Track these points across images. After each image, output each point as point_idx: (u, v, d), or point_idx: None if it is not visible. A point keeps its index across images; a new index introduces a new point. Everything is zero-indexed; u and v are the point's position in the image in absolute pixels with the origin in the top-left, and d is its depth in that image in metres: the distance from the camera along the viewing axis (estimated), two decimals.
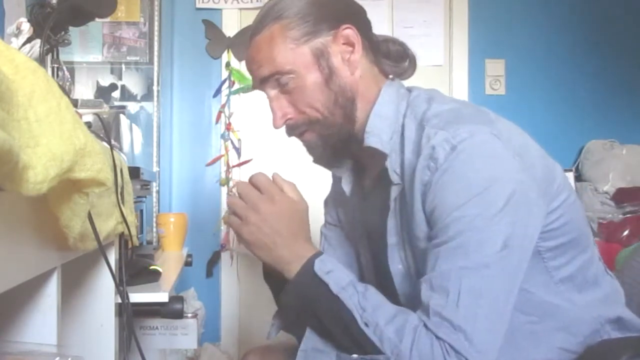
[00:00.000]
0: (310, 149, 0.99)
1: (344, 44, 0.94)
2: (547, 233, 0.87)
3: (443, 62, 2.70)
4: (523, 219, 0.82)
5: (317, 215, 1.29)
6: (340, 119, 0.94)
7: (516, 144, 0.87)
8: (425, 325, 0.79)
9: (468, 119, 0.86)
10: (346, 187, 1.08)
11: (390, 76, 1.00)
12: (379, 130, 0.93)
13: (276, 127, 0.97)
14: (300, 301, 0.91)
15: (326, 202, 1.21)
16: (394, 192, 0.93)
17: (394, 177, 0.92)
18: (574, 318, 0.91)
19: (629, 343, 0.90)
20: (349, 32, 0.94)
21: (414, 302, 0.90)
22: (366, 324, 0.82)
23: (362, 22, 0.97)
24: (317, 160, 1.03)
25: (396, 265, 0.95)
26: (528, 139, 0.92)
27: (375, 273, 1.06)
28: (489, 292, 0.79)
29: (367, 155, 0.98)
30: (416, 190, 0.86)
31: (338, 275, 0.88)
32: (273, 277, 1.02)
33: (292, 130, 0.97)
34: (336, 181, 1.14)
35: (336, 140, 0.96)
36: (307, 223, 0.96)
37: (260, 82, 0.96)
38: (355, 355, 0.85)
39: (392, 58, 1.02)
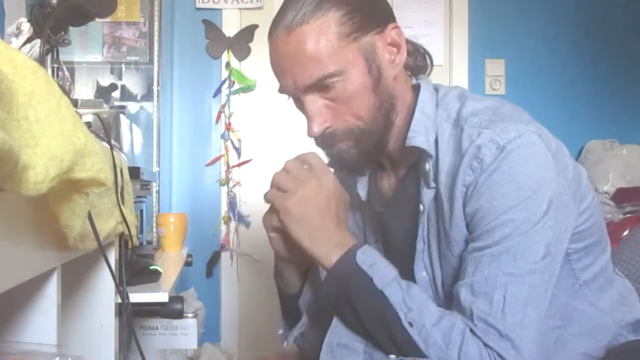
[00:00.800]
0: (341, 160, 0.89)
1: (389, 44, 0.87)
2: (577, 234, 0.86)
3: (443, 62, 2.70)
4: (560, 223, 0.80)
5: None
6: (382, 126, 0.87)
7: (552, 144, 0.84)
8: (471, 331, 0.76)
9: (512, 118, 0.82)
10: (362, 191, 1.01)
11: (409, 74, 0.96)
12: (425, 130, 0.86)
13: (313, 135, 0.86)
14: (338, 292, 0.84)
15: None
16: (428, 195, 0.87)
17: (430, 181, 0.87)
18: (597, 323, 0.89)
19: None
20: (397, 31, 0.88)
21: None
22: (411, 324, 0.78)
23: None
24: (349, 172, 0.95)
25: (421, 272, 0.91)
26: (558, 140, 0.89)
27: None
28: (534, 300, 0.77)
29: (395, 157, 0.93)
30: (457, 191, 0.82)
31: (382, 268, 0.82)
32: (285, 277, 0.98)
33: (328, 140, 0.87)
34: (344, 185, 1.09)
35: (373, 148, 0.88)
36: (348, 214, 0.91)
37: (303, 89, 0.85)
38: (392, 356, 0.80)
39: (413, 55, 0.96)
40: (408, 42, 0.94)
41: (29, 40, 1.15)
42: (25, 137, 0.45)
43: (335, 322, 0.87)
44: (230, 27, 2.66)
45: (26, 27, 1.15)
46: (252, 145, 2.66)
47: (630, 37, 2.76)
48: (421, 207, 0.89)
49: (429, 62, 0.98)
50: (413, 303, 0.79)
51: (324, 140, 0.88)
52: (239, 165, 2.64)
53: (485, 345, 0.75)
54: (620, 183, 2.46)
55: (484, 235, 0.79)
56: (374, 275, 0.81)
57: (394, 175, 0.97)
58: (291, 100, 0.91)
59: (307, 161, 0.87)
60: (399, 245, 0.96)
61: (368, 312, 0.82)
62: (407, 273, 0.92)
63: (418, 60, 0.97)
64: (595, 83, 2.74)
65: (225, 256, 2.65)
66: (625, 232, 2.29)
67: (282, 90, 0.89)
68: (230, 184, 2.64)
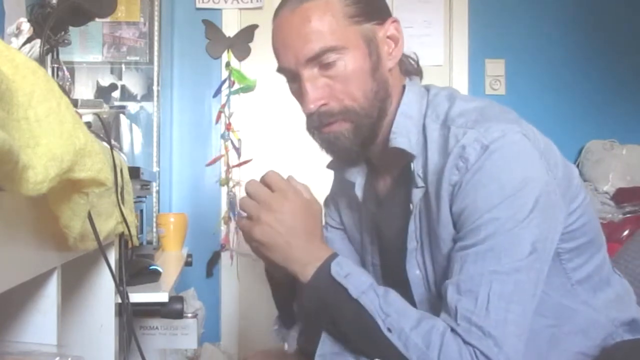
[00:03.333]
0: (335, 141, 0.90)
1: (388, 37, 0.90)
2: (567, 234, 0.86)
3: (443, 62, 2.70)
4: (548, 221, 0.81)
5: None
6: (377, 112, 0.89)
7: (541, 143, 0.85)
8: (452, 330, 0.77)
9: (497, 118, 0.83)
10: (359, 192, 1.00)
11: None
12: (407, 131, 0.89)
13: (308, 111, 0.87)
14: (317, 305, 0.86)
15: (327, 204, 1.16)
16: (417, 195, 0.89)
17: (418, 180, 0.88)
18: (591, 321, 0.90)
19: None
20: (396, 25, 0.91)
21: (430, 308, 0.88)
22: (389, 330, 0.79)
23: None
24: (341, 155, 0.94)
25: (414, 270, 0.92)
26: (548, 139, 0.90)
27: (385, 279, 1.02)
28: (519, 297, 0.77)
29: (386, 157, 0.95)
30: (444, 190, 0.83)
31: (357, 278, 0.83)
32: (275, 278, 1.00)
33: (323, 118, 0.88)
34: (340, 184, 1.10)
35: (368, 134, 0.89)
36: (321, 224, 0.92)
37: (304, 62, 0.86)
38: None
39: (411, 65, 0.99)
40: (405, 55, 0.97)
41: (29, 40, 1.15)
42: (25, 137, 0.45)
43: (324, 333, 0.89)
44: (230, 27, 2.66)
45: (26, 27, 1.16)
46: (252, 145, 2.66)
47: (630, 37, 2.76)
48: (411, 206, 0.90)
49: (420, 69, 1.00)
50: (390, 309, 0.80)
51: (319, 118, 0.88)
52: (239, 165, 2.64)
53: (466, 342, 0.75)
54: (620, 183, 2.46)
55: (470, 234, 0.80)
56: (349, 285, 0.82)
57: (389, 176, 0.99)
58: (289, 98, 0.93)
59: (267, 182, 0.88)
60: (393, 244, 0.96)
61: (347, 322, 0.84)
62: (401, 272, 0.93)
63: (417, 68, 1.00)
64: (595, 83, 2.73)
65: (225, 256, 2.64)
66: (625, 232, 2.29)
67: (281, 67, 0.90)
68: (230, 184, 2.63)
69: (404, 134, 0.89)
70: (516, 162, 0.80)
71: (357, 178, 1.01)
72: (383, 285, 0.94)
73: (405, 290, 0.92)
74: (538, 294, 0.80)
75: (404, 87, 0.94)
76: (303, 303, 0.91)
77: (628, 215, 2.36)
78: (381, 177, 1.00)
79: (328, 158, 1.03)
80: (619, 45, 2.75)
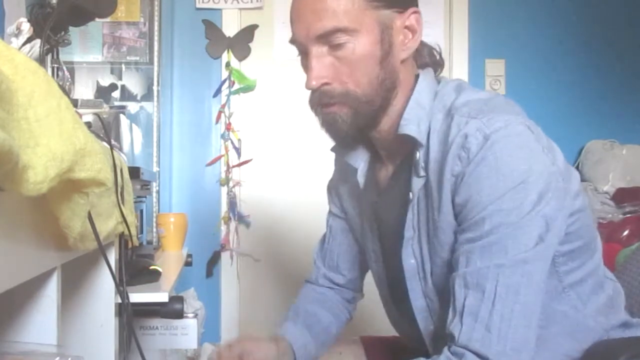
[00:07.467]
0: (333, 123, 0.89)
1: (406, 27, 0.88)
2: (564, 236, 0.86)
3: None
4: (555, 213, 0.80)
5: (315, 215, 1.29)
6: (379, 101, 0.88)
7: (544, 140, 0.85)
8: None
9: (501, 109, 0.83)
10: (361, 178, 1.01)
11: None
12: (418, 119, 0.88)
13: (309, 87, 0.88)
14: None
15: (329, 191, 1.16)
16: (418, 184, 0.89)
17: (420, 169, 0.88)
18: (580, 325, 0.89)
19: (629, 343, 0.90)
20: (416, 17, 0.89)
21: (422, 297, 0.91)
22: None
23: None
24: (337, 138, 0.94)
25: (409, 259, 0.92)
26: (551, 142, 0.90)
27: (386, 268, 1.03)
28: (527, 289, 0.78)
29: (391, 145, 0.95)
30: (446, 181, 0.82)
31: None
32: None
33: (324, 98, 0.88)
34: (342, 170, 1.10)
35: (366, 121, 0.90)
36: None
37: (314, 39, 0.85)
38: None
39: (431, 56, 0.98)
40: (426, 45, 0.96)
41: (29, 40, 1.15)
42: (25, 137, 0.45)
43: None
44: (230, 27, 2.66)
45: (26, 27, 1.15)
46: (252, 145, 2.66)
47: (630, 37, 2.76)
48: (411, 195, 0.90)
49: (441, 62, 0.99)
50: None
51: (320, 97, 0.88)
52: (239, 165, 2.64)
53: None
54: (620, 183, 2.46)
55: (474, 226, 0.80)
56: None
57: (391, 165, 0.99)
58: (289, 98, 0.94)
59: None
60: (391, 233, 0.97)
61: None
62: (399, 259, 0.94)
63: (438, 60, 0.98)
64: (595, 83, 2.73)
65: (225, 256, 2.64)
66: (625, 232, 2.29)
67: (293, 39, 0.89)
68: (230, 184, 2.63)
69: (414, 121, 0.88)
70: (519, 153, 0.79)
71: (360, 164, 1.01)
72: (386, 274, 0.99)
73: (402, 277, 0.93)
74: (544, 286, 0.80)
75: (417, 76, 0.93)
76: None
77: (628, 215, 2.36)
78: (383, 164, 1.00)
79: (327, 158, 1.02)
80: (619, 46, 2.75)
